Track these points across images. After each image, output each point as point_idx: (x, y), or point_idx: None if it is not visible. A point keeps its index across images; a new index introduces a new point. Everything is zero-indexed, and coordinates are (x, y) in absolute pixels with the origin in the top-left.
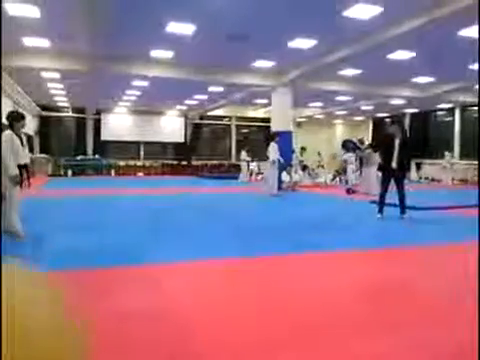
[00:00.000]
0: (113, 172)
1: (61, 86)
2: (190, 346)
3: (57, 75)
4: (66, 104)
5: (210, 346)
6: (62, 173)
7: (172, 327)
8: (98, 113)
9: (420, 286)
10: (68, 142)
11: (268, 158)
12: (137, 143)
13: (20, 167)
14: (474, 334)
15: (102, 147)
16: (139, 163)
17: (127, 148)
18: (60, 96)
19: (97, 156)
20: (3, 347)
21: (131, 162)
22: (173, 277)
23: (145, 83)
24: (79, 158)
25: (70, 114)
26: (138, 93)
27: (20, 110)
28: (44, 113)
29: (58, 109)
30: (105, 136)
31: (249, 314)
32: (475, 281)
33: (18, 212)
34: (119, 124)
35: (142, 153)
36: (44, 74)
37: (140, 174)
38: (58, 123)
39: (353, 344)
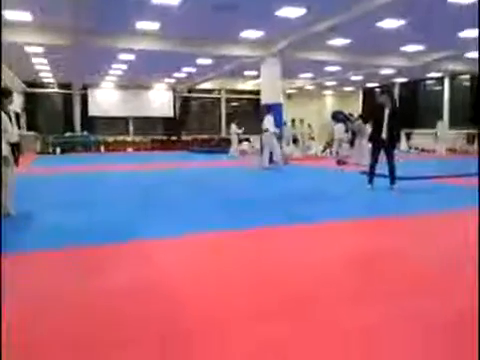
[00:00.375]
0: (102, 148)
1: (45, 61)
2: (180, 323)
3: (41, 50)
4: (51, 80)
5: (200, 321)
6: (50, 151)
7: (162, 303)
8: (85, 88)
9: (410, 255)
10: (55, 119)
11: (264, 130)
12: (125, 118)
13: (12, 145)
14: (466, 303)
15: (90, 123)
16: (128, 139)
17: (116, 124)
18: (45, 72)
19: (85, 132)
20: None
21: (120, 138)
22: (163, 252)
23: (131, 56)
24: (67, 135)
25: (56, 90)
26: (125, 67)
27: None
28: (29, 90)
29: (44, 85)
30: (93, 112)
31: (239, 287)
32: (466, 249)
33: (11, 190)
34: (106, 99)
35: (131, 128)
36: (27, 49)
37: (130, 150)
38: (44, 100)
39: (344, 314)
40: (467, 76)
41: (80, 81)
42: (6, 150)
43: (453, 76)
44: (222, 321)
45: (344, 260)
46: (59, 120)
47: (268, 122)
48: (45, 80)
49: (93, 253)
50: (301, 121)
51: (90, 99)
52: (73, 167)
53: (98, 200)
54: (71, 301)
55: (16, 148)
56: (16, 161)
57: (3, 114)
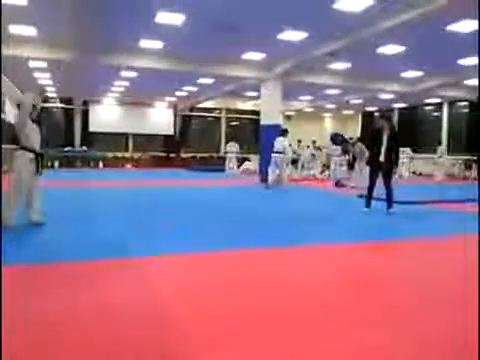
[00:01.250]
0: (101, 164)
1: (48, 76)
2: (169, 343)
3: (44, 64)
4: (53, 94)
5: (191, 342)
6: (49, 165)
7: (151, 321)
8: (86, 104)
9: (402, 280)
10: (55, 133)
11: (276, 152)
12: (125, 135)
13: (36, 155)
14: (458, 330)
15: (90, 138)
16: (127, 155)
17: (115, 140)
18: (48, 86)
19: (85, 148)
20: None
21: (119, 154)
22: (156, 270)
23: (134, 74)
24: (66, 149)
25: (57, 105)
26: (127, 84)
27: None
28: None
29: (45, 99)
30: (93, 127)
31: (232, 308)
32: (460, 274)
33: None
34: (107, 115)
35: (131, 145)
36: (31, 63)
37: (128, 166)
38: (45, 114)
39: (334, 336)
40: (465, 103)
41: (82, 96)
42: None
43: (451, 102)
44: (213, 341)
45: (336, 283)
46: (59, 134)
47: (281, 143)
48: (47, 94)
49: (87, 268)
50: (299, 142)
51: (91, 114)
52: (70, 182)
53: (95, 216)
54: (55, 318)
55: (40, 158)
56: (38, 171)
57: (32, 124)
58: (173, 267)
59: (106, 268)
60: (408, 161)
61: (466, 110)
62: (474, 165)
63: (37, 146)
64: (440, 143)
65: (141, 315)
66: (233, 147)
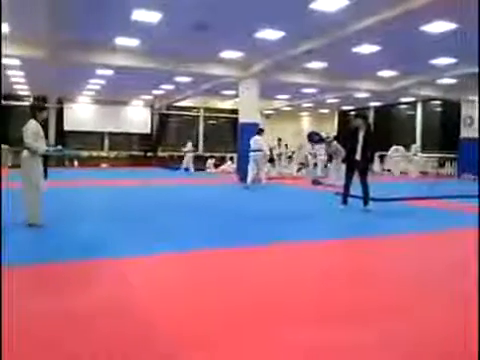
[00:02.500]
0: (76, 163)
1: (21, 74)
2: (152, 343)
3: (17, 62)
4: (27, 93)
5: (174, 342)
6: None
7: (133, 322)
8: (60, 102)
9: (379, 276)
10: None
11: (254, 150)
12: (101, 134)
13: (43, 157)
14: (436, 327)
15: (65, 138)
16: (103, 154)
17: (91, 139)
18: (20, 84)
19: (59, 147)
20: None
21: (95, 153)
22: (135, 271)
23: (110, 72)
24: None
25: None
26: (102, 82)
27: None
28: (4, 102)
29: (19, 98)
30: (68, 126)
31: (214, 307)
32: (437, 270)
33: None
34: (83, 114)
35: (107, 144)
36: (3, 61)
37: (104, 165)
38: (18, 113)
39: (310, 334)
40: (439, 102)
41: (56, 95)
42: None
43: (425, 101)
44: (196, 341)
45: (312, 280)
46: None
47: (258, 142)
48: (20, 92)
49: (64, 269)
50: (279, 140)
51: (65, 113)
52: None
53: (70, 216)
54: (37, 321)
55: (46, 160)
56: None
57: (38, 126)
58: (153, 267)
59: (86, 269)
60: (400, 160)
61: (439, 109)
62: (447, 163)
63: (43, 148)
64: (413, 141)
65: (124, 316)
66: (188, 146)
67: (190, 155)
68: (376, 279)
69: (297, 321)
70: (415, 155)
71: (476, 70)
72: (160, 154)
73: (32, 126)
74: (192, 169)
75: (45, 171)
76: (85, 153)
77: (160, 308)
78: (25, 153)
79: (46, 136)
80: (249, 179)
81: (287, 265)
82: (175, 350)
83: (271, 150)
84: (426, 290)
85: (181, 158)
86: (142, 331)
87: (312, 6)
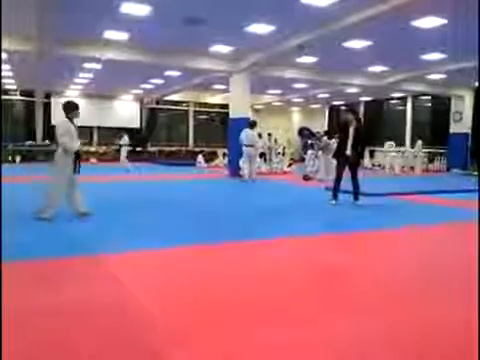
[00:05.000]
0: None
1: (8, 67)
2: (142, 339)
3: (4, 55)
4: (14, 87)
5: (162, 337)
6: (10, 159)
7: (118, 317)
8: (48, 96)
9: (367, 271)
10: (16, 127)
11: (246, 145)
12: (90, 128)
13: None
14: (419, 322)
15: (53, 132)
16: (92, 149)
17: (79, 133)
18: (7, 78)
19: (47, 141)
20: None
21: (83, 148)
22: (122, 267)
23: (98, 66)
24: (28, 143)
25: (18, 97)
26: (91, 76)
27: None
28: None
29: (5, 92)
30: (56, 121)
31: (197, 302)
32: (426, 264)
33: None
34: None
35: (95, 138)
36: None
37: (93, 160)
38: (5, 107)
39: (288, 331)
40: (428, 97)
41: (44, 89)
42: (76, 145)
43: (415, 96)
44: (183, 337)
45: (302, 274)
46: (20, 128)
47: (251, 136)
48: (7, 86)
49: (48, 266)
50: (269, 135)
51: (53, 107)
52: (32, 176)
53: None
54: (24, 317)
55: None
56: (76, 168)
57: (70, 124)
58: (140, 264)
59: (71, 266)
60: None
61: (429, 104)
62: (436, 158)
63: (76, 145)
64: (403, 136)
65: (109, 312)
66: (124, 139)
67: (126, 149)
68: (354, 276)
69: (278, 319)
70: (419, 151)
71: (465, 65)
72: (150, 149)
73: (64, 125)
74: (129, 165)
75: (77, 166)
76: None
77: (144, 304)
78: (59, 151)
79: (34, 131)
80: (246, 174)
81: (276, 260)
82: (157, 347)
83: (262, 145)
84: (400, 287)
85: (173, 153)
86: (127, 328)
87: (303, 0)
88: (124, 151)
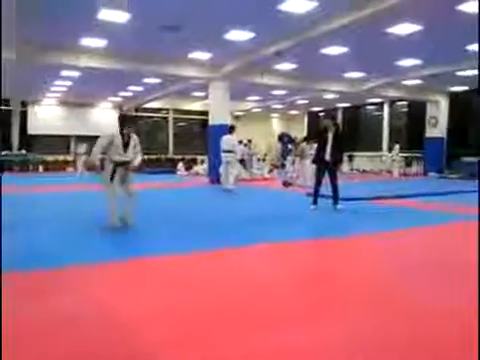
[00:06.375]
0: (41, 168)
1: None
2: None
3: None
4: None
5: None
6: None
7: (104, 328)
8: (24, 105)
9: (351, 275)
10: None
11: (226, 151)
12: (67, 137)
13: (116, 163)
14: (405, 325)
15: (29, 142)
16: (70, 158)
17: (56, 142)
18: None
19: (24, 151)
20: None
21: (61, 157)
22: (102, 277)
23: (76, 73)
24: (3, 153)
25: None
26: (68, 84)
27: None
28: None
29: None
30: (32, 130)
31: (183, 310)
32: (404, 268)
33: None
34: (48, 117)
35: (73, 147)
36: None
37: (71, 170)
38: None
39: (280, 336)
40: (405, 102)
41: (20, 97)
42: (96, 160)
43: (392, 102)
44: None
45: (290, 280)
46: None
47: (230, 142)
48: None
49: (27, 278)
50: (249, 141)
51: (30, 116)
52: (7, 188)
53: (32, 223)
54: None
55: (120, 166)
56: (112, 178)
57: (117, 136)
58: (123, 274)
59: (46, 278)
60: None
61: (405, 109)
62: (413, 161)
63: (121, 157)
64: (380, 141)
65: (89, 322)
66: (81, 148)
67: (83, 158)
68: (339, 280)
69: (265, 326)
70: (397, 155)
71: (440, 71)
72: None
73: (108, 136)
74: (86, 174)
75: (121, 175)
76: (50, 157)
77: (128, 313)
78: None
79: (9, 140)
80: (231, 181)
81: (256, 266)
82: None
83: (242, 151)
84: (381, 291)
85: (151, 161)
86: (114, 334)
87: (281, 7)
88: (81, 160)
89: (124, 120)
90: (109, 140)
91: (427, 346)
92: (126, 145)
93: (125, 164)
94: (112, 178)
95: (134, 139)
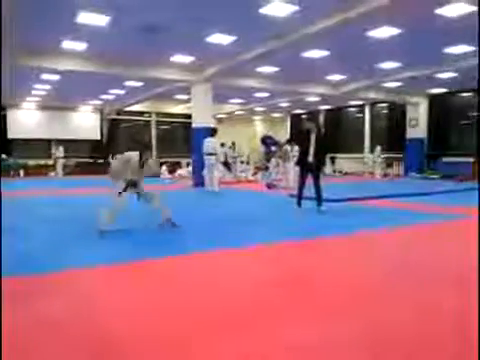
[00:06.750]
0: (22, 173)
1: None
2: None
3: None
4: None
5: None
6: None
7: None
8: (3, 109)
9: (333, 276)
10: None
11: (208, 154)
12: (48, 141)
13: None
14: (390, 324)
15: (9, 146)
16: (51, 162)
17: (37, 146)
18: None
19: (3, 156)
20: None
21: (42, 161)
22: (89, 283)
23: (56, 77)
24: None
25: None
26: (49, 87)
27: None
28: None
29: None
30: (12, 134)
31: (169, 313)
32: (388, 268)
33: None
34: (28, 121)
35: (53, 151)
36: None
37: (52, 174)
38: None
39: (268, 336)
40: (385, 104)
41: None
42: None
43: (373, 104)
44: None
45: (270, 282)
46: None
47: (212, 145)
48: None
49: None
50: (233, 144)
51: (9, 120)
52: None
53: (17, 228)
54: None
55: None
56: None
57: (134, 158)
58: (111, 277)
59: (28, 284)
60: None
61: (386, 111)
62: (394, 163)
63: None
64: (362, 143)
65: (72, 330)
66: (59, 152)
67: (62, 162)
68: (321, 281)
69: (246, 329)
70: (378, 157)
71: (419, 73)
72: (112, 161)
73: (126, 156)
74: (60, 175)
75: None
76: (31, 162)
77: (115, 320)
78: None
79: None
80: (216, 184)
81: (240, 268)
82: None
83: (226, 154)
84: (382, 286)
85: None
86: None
87: (262, 11)
88: (60, 163)
89: (145, 148)
90: (127, 159)
91: (434, 344)
92: (141, 167)
93: (136, 183)
94: (121, 193)
95: (148, 164)
